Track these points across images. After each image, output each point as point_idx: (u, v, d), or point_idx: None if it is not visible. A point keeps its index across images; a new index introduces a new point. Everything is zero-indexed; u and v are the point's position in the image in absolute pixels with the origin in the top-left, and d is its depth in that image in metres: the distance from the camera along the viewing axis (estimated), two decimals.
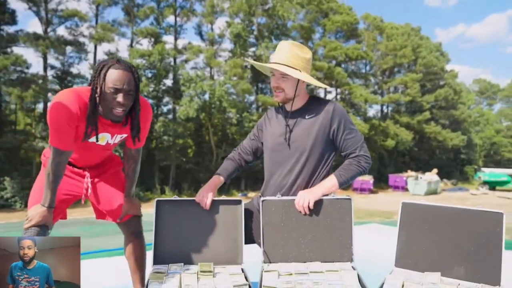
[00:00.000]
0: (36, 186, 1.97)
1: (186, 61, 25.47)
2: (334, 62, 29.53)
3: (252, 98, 27.03)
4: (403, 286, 1.64)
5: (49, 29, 22.08)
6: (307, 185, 1.93)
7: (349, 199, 1.86)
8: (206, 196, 1.92)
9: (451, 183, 32.73)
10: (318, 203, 1.84)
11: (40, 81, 20.70)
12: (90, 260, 4.27)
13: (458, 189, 28.43)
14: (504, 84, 54.11)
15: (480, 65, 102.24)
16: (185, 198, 1.97)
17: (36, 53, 21.25)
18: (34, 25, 57.13)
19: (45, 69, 21.82)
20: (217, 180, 2.04)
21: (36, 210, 1.81)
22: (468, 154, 39.32)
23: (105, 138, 1.89)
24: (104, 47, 47.67)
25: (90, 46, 23.45)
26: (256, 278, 1.72)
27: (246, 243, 1.91)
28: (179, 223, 1.91)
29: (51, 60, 22.36)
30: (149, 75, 23.24)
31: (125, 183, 2.07)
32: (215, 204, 1.93)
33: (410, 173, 26.93)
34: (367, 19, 33.46)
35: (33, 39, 20.40)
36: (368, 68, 34.51)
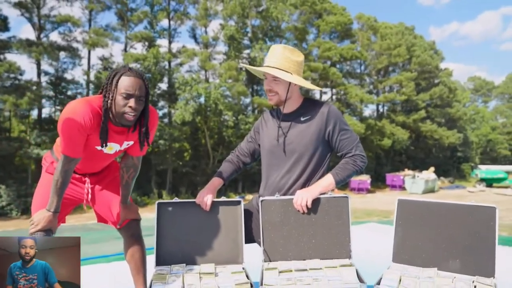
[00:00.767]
0: (39, 191, 1.99)
1: (180, 64, 25.47)
2: (329, 62, 29.62)
3: (248, 100, 27.10)
4: (400, 280, 1.68)
5: (42, 35, 22.00)
6: (304, 186, 1.97)
7: (346, 197, 1.90)
8: (206, 197, 1.96)
9: (448, 181, 32.89)
10: (316, 202, 1.88)
11: (34, 88, 20.62)
12: (88, 266, 4.27)
13: (455, 187, 28.61)
14: (498, 81, 54.63)
15: (474, 63, 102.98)
16: (185, 200, 2.00)
17: (29, 60, 21.18)
18: (26, 31, 56.93)
19: (38, 75, 21.74)
20: (217, 182, 2.08)
21: (41, 215, 1.83)
22: (465, 152, 39.50)
23: (113, 148, 1.94)
24: (98, 52, 47.62)
25: (83, 52, 23.41)
26: (257, 276, 1.75)
27: (246, 242, 1.95)
28: (180, 225, 1.95)
29: (44, 66, 22.33)
30: None
31: (123, 191, 2.10)
32: (215, 205, 1.97)
33: (407, 172, 27.03)
34: (361, 19, 33.60)
35: (26, 46, 20.30)
36: (363, 68, 34.67)
